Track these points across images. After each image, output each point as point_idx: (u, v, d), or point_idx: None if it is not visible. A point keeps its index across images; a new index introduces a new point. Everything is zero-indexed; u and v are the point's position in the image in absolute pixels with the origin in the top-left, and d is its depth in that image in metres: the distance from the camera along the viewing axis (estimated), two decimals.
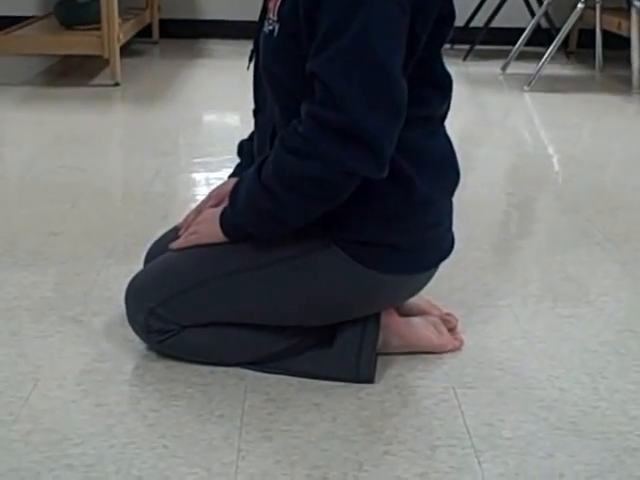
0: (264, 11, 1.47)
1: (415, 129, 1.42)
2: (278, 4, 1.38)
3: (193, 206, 1.67)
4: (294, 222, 1.42)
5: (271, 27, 1.41)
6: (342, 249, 1.46)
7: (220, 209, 1.51)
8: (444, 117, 1.54)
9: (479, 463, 1.32)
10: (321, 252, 1.47)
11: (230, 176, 1.69)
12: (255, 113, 1.61)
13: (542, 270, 2.03)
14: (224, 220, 1.48)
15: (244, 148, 1.71)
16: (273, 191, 1.39)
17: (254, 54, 1.55)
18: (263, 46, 1.45)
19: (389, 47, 1.31)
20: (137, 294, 1.55)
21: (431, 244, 1.52)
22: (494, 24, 4.77)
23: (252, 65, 1.57)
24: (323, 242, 1.46)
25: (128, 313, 1.56)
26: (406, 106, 1.34)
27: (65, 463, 1.29)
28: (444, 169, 1.53)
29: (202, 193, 2.45)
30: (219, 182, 1.69)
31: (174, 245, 1.56)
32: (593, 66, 4.60)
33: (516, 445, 1.36)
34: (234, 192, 1.47)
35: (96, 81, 3.92)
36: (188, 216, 1.65)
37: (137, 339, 1.58)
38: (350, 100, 1.29)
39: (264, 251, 1.49)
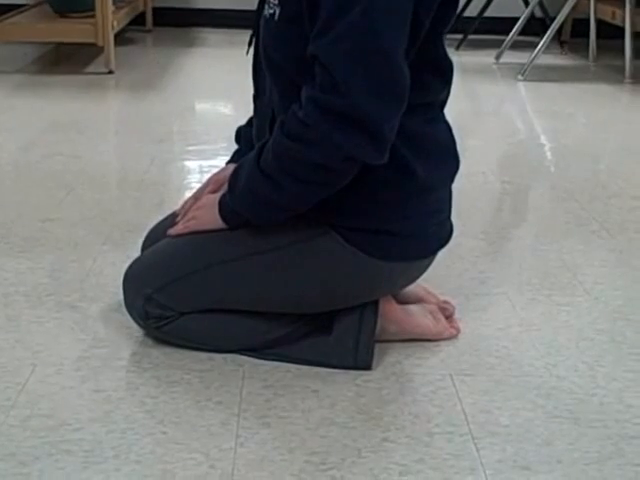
0: None
1: (415, 115, 1.42)
2: None
3: (189, 193, 1.67)
4: (293, 208, 1.42)
5: (272, 11, 1.40)
6: (341, 235, 1.46)
7: (219, 195, 1.51)
8: (444, 104, 1.53)
9: (477, 450, 1.32)
10: (320, 239, 1.47)
11: (228, 162, 1.69)
12: (254, 98, 1.61)
13: (538, 258, 2.03)
14: (223, 206, 1.48)
15: (242, 134, 1.70)
16: (273, 177, 1.38)
17: (253, 38, 1.55)
18: (263, 30, 1.45)
19: (392, 32, 1.30)
20: (135, 280, 1.55)
21: (430, 231, 1.52)
22: (488, 13, 4.77)
23: (251, 50, 1.56)
24: (322, 229, 1.46)
25: (126, 299, 1.56)
26: (408, 92, 1.33)
27: (64, 448, 1.29)
28: (444, 156, 1.53)
29: (197, 180, 2.46)
30: (214, 169, 1.69)
31: (172, 231, 1.56)
32: (587, 55, 4.60)
33: (514, 432, 1.37)
34: (233, 178, 1.46)
35: (90, 69, 3.90)
36: (186, 202, 1.64)
37: (134, 325, 1.58)
38: (351, 85, 1.29)
39: (263, 238, 1.48)
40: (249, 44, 1.57)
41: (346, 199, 1.42)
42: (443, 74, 1.48)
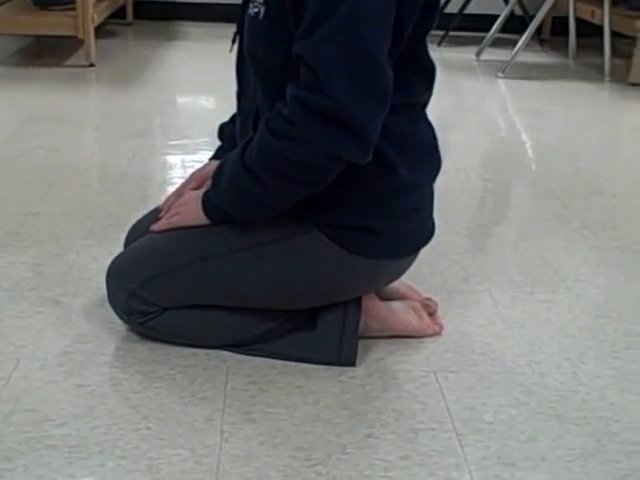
0: None
1: (398, 115, 1.42)
2: None
3: (171, 188, 1.67)
4: (277, 205, 1.42)
5: (256, 9, 1.40)
6: (324, 233, 1.46)
7: (202, 191, 1.51)
8: (426, 104, 1.54)
9: (461, 446, 1.32)
10: (303, 236, 1.47)
11: (211, 159, 1.69)
12: (238, 95, 1.60)
13: (520, 255, 2.04)
14: (207, 202, 1.48)
15: (225, 131, 1.70)
16: (257, 174, 1.38)
17: (237, 36, 1.54)
18: (248, 28, 1.45)
19: (376, 33, 1.30)
20: (118, 275, 1.54)
21: (412, 230, 1.52)
22: (468, 10, 4.78)
23: (235, 47, 1.56)
24: (305, 226, 1.46)
25: (109, 294, 1.56)
26: (391, 92, 1.34)
27: (48, 444, 1.28)
28: (426, 155, 1.53)
29: (179, 175, 2.45)
30: (196, 164, 1.69)
31: (155, 227, 1.56)
32: (566, 54, 4.62)
33: (497, 429, 1.37)
34: (217, 174, 1.46)
35: (71, 62, 3.88)
36: (168, 198, 1.64)
37: (118, 320, 1.58)
38: (336, 84, 1.29)
39: (246, 234, 1.48)
40: (233, 42, 1.56)
41: (329, 196, 1.43)
42: (426, 75, 1.49)
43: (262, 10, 1.38)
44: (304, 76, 1.32)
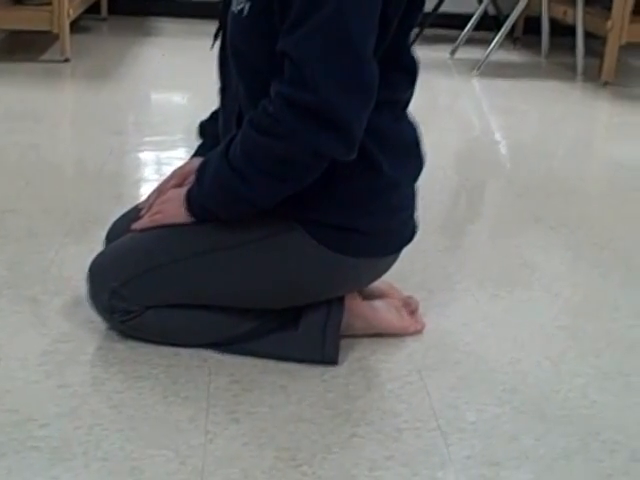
0: None
1: (382, 113, 1.42)
2: None
3: (148, 185, 1.66)
4: (261, 203, 1.42)
5: (241, 6, 1.39)
6: (307, 232, 1.45)
7: (185, 189, 1.50)
8: (408, 103, 1.54)
9: (446, 445, 1.33)
10: (286, 234, 1.47)
11: (193, 156, 1.67)
12: (221, 92, 1.60)
13: (498, 254, 2.05)
14: (190, 200, 1.47)
15: (206, 128, 1.69)
16: (241, 171, 1.38)
17: (219, 33, 1.54)
18: (231, 25, 1.44)
19: (362, 29, 1.30)
20: (100, 274, 1.53)
21: (395, 228, 1.53)
22: (442, 9, 4.78)
23: (217, 44, 1.55)
24: (288, 224, 1.46)
25: (90, 293, 1.54)
26: (376, 89, 1.34)
27: (31, 445, 1.27)
28: (409, 154, 1.53)
29: (157, 172, 2.44)
30: (174, 161, 1.68)
31: (137, 225, 1.54)
32: (539, 52, 4.64)
33: (481, 428, 1.38)
34: (200, 172, 1.45)
35: (46, 57, 3.84)
36: (150, 196, 1.63)
37: (98, 319, 1.56)
38: (321, 81, 1.29)
39: (230, 233, 1.48)
40: (215, 38, 1.56)
41: (313, 194, 1.42)
42: (409, 74, 1.50)
43: (246, 7, 1.38)
44: (288, 72, 1.31)
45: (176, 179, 1.61)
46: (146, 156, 2.63)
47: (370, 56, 1.32)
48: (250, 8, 1.37)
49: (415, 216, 1.58)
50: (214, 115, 1.65)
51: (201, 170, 1.45)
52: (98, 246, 1.66)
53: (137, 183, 2.38)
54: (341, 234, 1.46)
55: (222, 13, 1.50)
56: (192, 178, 1.53)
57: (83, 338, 1.56)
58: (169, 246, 1.50)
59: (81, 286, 1.60)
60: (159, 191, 1.61)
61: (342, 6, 1.27)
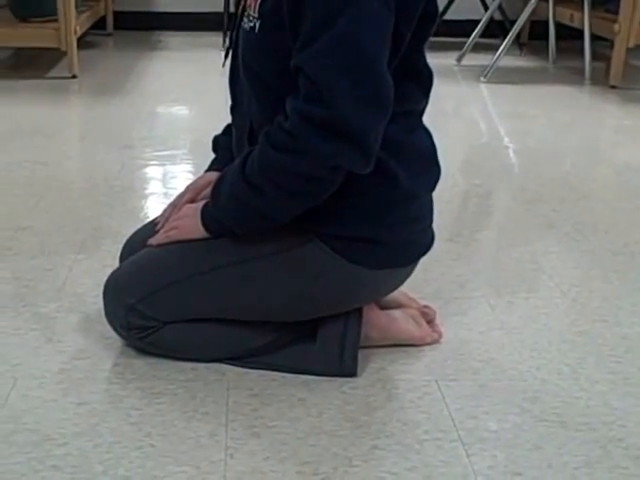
0: (242, 7, 1.45)
1: (396, 124, 1.41)
2: (259, 0, 1.37)
3: (160, 199, 1.65)
4: (278, 218, 1.41)
5: (252, 24, 1.39)
6: (325, 244, 1.45)
7: (201, 204, 1.49)
8: (423, 112, 1.53)
9: (467, 456, 1.32)
10: (304, 247, 1.46)
11: (207, 170, 1.67)
12: (232, 109, 1.59)
13: (513, 261, 2.04)
14: (206, 215, 1.47)
15: (220, 143, 1.69)
16: (258, 187, 1.37)
17: (230, 51, 1.53)
18: (243, 42, 1.44)
19: (375, 42, 1.30)
20: (116, 291, 1.52)
21: (413, 239, 1.52)
22: (448, 16, 4.79)
23: (228, 62, 1.55)
24: (306, 237, 1.45)
25: (107, 310, 1.54)
26: (392, 101, 1.33)
27: (50, 464, 1.27)
28: (426, 164, 1.53)
29: (168, 186, 2.44)
30: (185, 174, 1.68)
31: (153, 241, 1.54)
32: (546, 58, 4.63)
33: (502, 437, 1.37)
34: (216, 187, 1.45)
35: (53, 73, 3.85)
36: (165, 211, 1.63)
37: (114, 335, 1.56)
38: (336, 95, 1.28)
39: (246, 246, 1.47)
40: (225, 56, 1.56)
41: (330, 207, 1.42)
42: (424, 83, 1.49)
43: (257, 24, 1.38)
44: (304, 88, 1.31)
45: (190, 193, 1.61)
46: (156, 170, 2.63)
47: (384, 69, 1.31)
48: (261, 25, 1.37)
49: (432, 225, 1.57)
50: (227, 129, 1.65)
51: (217, 185, 1.45)
52: (111, 261, 1.66)
53: (149, 197, 2.37)
54: (359, 246, 1.46)
55: (233, 30, 1.50)
56: (206, 192, 1.53)
57: (100, 355, 1.56)
58: (186, 261, 1.50)
59: (96, 302, 1.60)
60: (174, 206, 1.61)
61: (355, 20, 1.27)
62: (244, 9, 1.43)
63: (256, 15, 1.38)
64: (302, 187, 1.35)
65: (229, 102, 1.57)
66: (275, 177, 1.35)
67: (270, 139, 1.35)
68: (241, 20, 1.44)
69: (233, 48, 1.51)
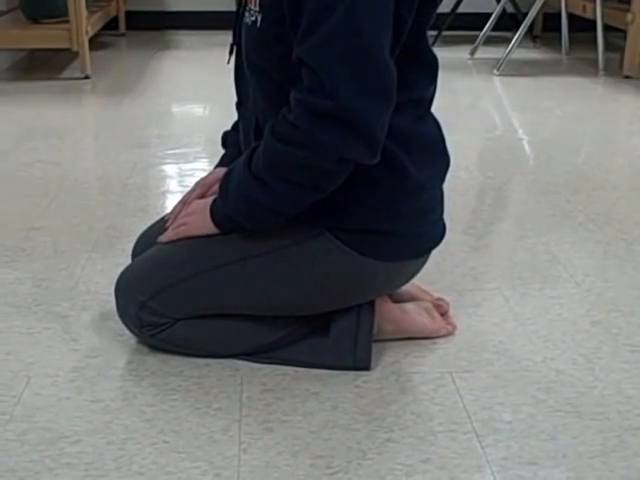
0: (243, 2, 1.45)
1: (404, 114, 1.41)
2: None
3: (173, 197, 1.65)
4: (287, 211, 1.41)
5: (253, 18, 1.39)
6: (335, 237, 1.44)
7: (210, 200, 1.49)
8: (431, 101, 1.53)
9: (482, 447, 1.31)
10: (314, 240, 1.46)
11: (217, 167, 1.67)
12: (238, 106, 1.59)
13: (527, 252, 2.03)
14: (215, 211, 1.47)
15: (228, 139, 1.69)
16: (265, 181, 1.37)
17: (233, 46, 1.53)
18: (245, 37, 1.43)
19: (376, 30, 1.29)
20: (128, 288, 1.53)
21: (424, 231, 1.51)
22: (460, 9, 4.77)
23: (232, 58, 1.55)
24: (316, 230, 1.45)
25: (119, 307, 1.54)
26: (396, 89, 1.32)
27: (64, 462, 1.27)
28: (435, 153, 1.52)
29: (181, 184, 2.44)
30: (197, 172, 1.68)
31: (163, 238, 1.54)
32: (559, 49, 4.62)
33: (517, 428, 1.36)
34: (224, 183, 1.45)
35: (66, 74, 3.87)
36: (175, 207, 1.62)
37: (127, 333, 1.56)
38: (339, 85, 1.28)
39: (256, 241, 1.47)
40: (230, 53, 1.55)
41: (339, 200, 1.41)
42: (429, 69, 1.48)
43: (259, 18, 1.37)
44: (307, 79, 1.30)
45: (200, 189, 1.61)
46: (170, 168, 2.63)
47: (387, 57, 1.31)
48: (263, 19, 1.37)
49: (443, 216, 1.56)
50: (236, 126, 1.65)
51: (224, 181, 1.45)
52: (124, 260, 1.67)
53: (162, 196, 2.37)
54: (370, 238, 1.45)
55: (235, 26, 1.50)
56: (215, 188, 1.52)
57: (113, 352, 1.56)
58: (196, 257, 1.50)
59: (109, 300, 1.60)
60: (184, 202, 1.61)
61: (354, 9, 1.26)
62: (245, 3, 1.43)
63: (257, 9, 1.37)
64: (308, 179, 1.35)
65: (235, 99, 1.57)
66: (281, 170, 1.35)
67: (275, 132, 1.34)
68: (243, 15, 1.44)
69: (236, 44, 1.51)
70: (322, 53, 1.28)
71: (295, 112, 1.32)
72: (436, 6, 1.43)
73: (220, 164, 1.67)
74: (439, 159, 1.53)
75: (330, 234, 1.44)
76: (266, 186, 1.37)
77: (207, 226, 1.48)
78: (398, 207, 1.45)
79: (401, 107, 1.37)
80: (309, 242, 1.46)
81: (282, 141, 1.34)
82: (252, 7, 1.39)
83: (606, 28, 4.21)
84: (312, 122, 1.30)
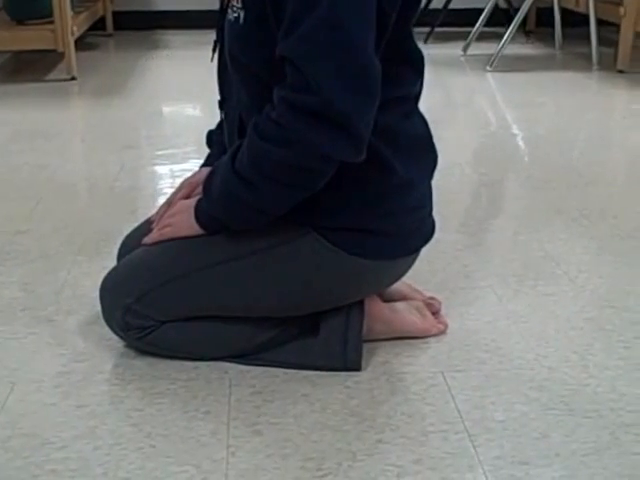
0: None
1: (390, 111, 1.39)
2: None
3: (161, 199, 1.63)
4: (272, 211, 1.38)
5: (236, 14, 1.36)
6: (322, 236, 1.42)
7: (194, 200, 1.47)
8: (418, 97, 1.50)
9: (474, 447, 1.29)
10: (301, 240, 1.43)
11: (202, 166, 1.65)
12: (221, 104, 1.57)
13: (520, 249, 2.01)
14: (199, 212, 1.44)
15: (213, 138, 1.67)
16: (249, 180, 1.34)
17: (217, 44, 1.51)
18: (228, 34, 1.41)
19: (359, 26, 1.26)
20: (112, 291, 1.50)
21: (412, 228, 1.49)
22: (452, 5, 4.76)
23: (216, 56, 1.52)
24: (303, 230, 1.43)
25: (104, 311, 1.52)
26: (380, 86, 1.30)
27: (49, 468, 1.24)
28: (422, 150, 1.50)
29: (169, 185, 2.42)
30: (185, 173, 1.65)
31: (148, 239, 1.52)
32: (552, 44, 4.60)
33: (510, 427, 1.34)
34: (208, 183, 1.42)
35: (52, 76, 3.84)
36: (160, 208, 1.60)
37: (114, 337, 1.54)
38: (322, 82, 1.25)
39: (242, 242, 1.45)
40: (213, 50, 1.53)
41: (325, 199, 1.39)
42: (414, 65, 1.45)
43: (241, 14, 1.35)
44: (290, 76, 1.28)
45: (185, 189, 1.58)
46: (158, 169, 2.61)
47: (370, 52, 1.28)
48: (245, 15, 1.35)
49: (432, 214, 1.54)
50: (220, 125, 1.63)
51: (208, 181, 1.42)
52: (111, 263, 1.64)
53: (150, 197, 2.35)
54: (358, 237, 1.43)
55: (218, 23, 1.47)
56: (200, 188, 1.50)
57: (99, 356, 1.53)
58: (181, 259, 1.47)
59: (95, 304, 1.57)
60: (169, 203, 1.58)
61: (336, 4, 1.24)
62: (228, 0, 1.41)
63: (240, 5, 1.35)
64: (293, 178, 1.33)
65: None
66: (265, 169, 1.33)
67: (258, 130, 1.32)
68: (226, 12, 1.41)
69: (220, 41, 1.48)
70: (305, 49, 1.26)
71: (278, 109, 1.29)
72: (419, 1, 1.41)
73: (206, 164, 1.65)
74: (427, 156, 1.51)
75: (317, 233, 1.42)
76: (250, 185, 1.35)
77: (192, 227, 1.46)
78: (386, 205, 1.43)
79: (387, 104, 1.35)
80: (296, 242, 1.43)
81: (265, 139, 1.31)
82: (235, 4, 1.37)
83: (600, 22, 4.19)
84: (295, 119, 1.28)
